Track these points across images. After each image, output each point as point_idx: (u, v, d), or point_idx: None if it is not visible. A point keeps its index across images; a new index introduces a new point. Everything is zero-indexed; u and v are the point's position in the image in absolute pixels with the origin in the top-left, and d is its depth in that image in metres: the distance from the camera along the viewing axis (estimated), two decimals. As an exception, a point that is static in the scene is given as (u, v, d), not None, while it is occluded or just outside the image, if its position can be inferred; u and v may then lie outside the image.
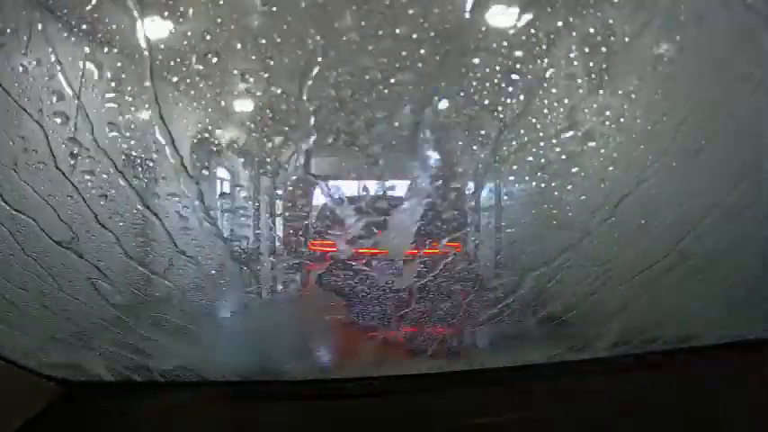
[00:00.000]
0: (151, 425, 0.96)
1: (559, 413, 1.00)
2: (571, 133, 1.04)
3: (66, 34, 0.93)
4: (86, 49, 0.94)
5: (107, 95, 0.98)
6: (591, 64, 1.00)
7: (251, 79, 0.97)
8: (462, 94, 1.07)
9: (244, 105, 1.08)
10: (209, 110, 1.05)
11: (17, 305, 0.98)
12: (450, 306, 1.19)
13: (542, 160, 1.10)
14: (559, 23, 1.01)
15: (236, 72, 0.97)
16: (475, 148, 1.28)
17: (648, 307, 1.14)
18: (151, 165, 1.04)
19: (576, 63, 1.01)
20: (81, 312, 1.06)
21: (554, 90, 1.04)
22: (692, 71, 1.02)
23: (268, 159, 1.11)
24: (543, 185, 1.12)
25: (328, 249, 1.33)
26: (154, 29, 0.96)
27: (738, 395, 1.02)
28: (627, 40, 1.01)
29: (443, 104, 1.11)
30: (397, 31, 0.92)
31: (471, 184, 1.59)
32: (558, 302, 1.17)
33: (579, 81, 1.02)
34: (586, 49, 1.00)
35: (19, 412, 0.88)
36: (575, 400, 1.04)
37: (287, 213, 1.23)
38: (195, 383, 1.09)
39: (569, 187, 1.10)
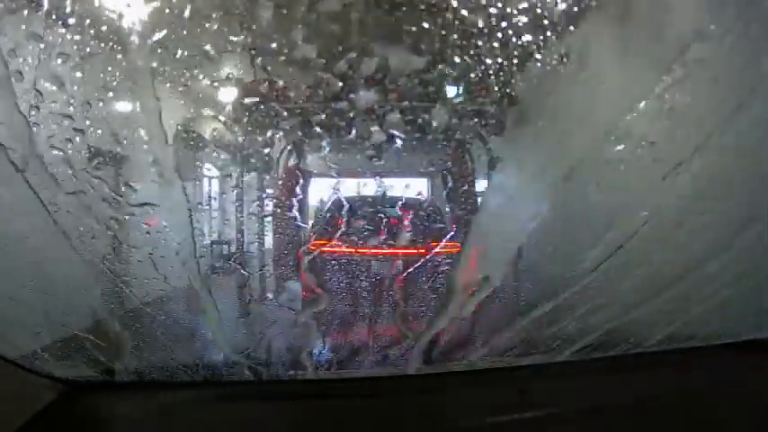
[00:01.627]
0: (151, 425, 0.96)
1: (559, 413, 1.00)
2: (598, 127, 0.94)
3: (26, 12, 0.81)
4: (53, 29, 0.81)
5: (76, 83, 0.85)
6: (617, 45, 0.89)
7: (237, 64, 0.85)
8: (473, 76, 0.95)
9: (229, 94, 0.94)
10: (191, 99, 0.93)
11: (18, 305, 0.98)
12: (450, 306, 1.19)
13: (562, 154, 1.01)
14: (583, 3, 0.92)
15: (220, 56, 0.83)
16: (487, 140, 1.18)
17: (650, 308, 1.14)
18: (126, 161, 0.95)
19: (601, 43, 0.90)
20: (81, 313, 1.06)
21: (580, 76, 0.92)
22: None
23: (258, 154, 1.03)
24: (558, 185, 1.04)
25: (329, 250, 1.33)
26: (128, 8, 0.81)
27: (738, 395, 1.02)
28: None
29: (452, 92, 1.01)
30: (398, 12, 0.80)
31: (479, 182, 1.56)
32: (558, 303, 1.17)
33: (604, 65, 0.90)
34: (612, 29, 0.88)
35: (19, 412, 0.88)
36: (574, 400, 1.04)
37: (281, 212, 1.18)
38: (195, 383, 1.09)
39: (587, 189, 1.04)
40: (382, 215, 1.39)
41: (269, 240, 1.20)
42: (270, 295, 1.38)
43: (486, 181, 1.61)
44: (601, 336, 1.15)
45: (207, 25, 0.82)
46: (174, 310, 1.17)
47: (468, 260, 1.20)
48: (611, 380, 1.11)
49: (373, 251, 1.40)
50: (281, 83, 0.91)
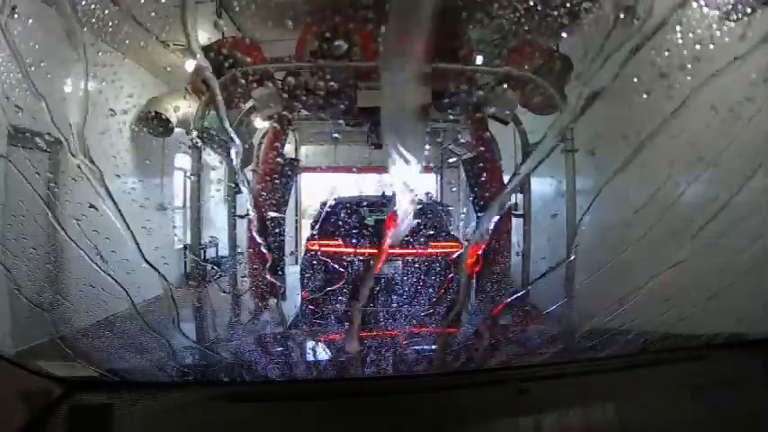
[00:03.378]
0: (151, 425, 0.96)
1: (559, 413, 1.00)
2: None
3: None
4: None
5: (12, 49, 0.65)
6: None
7: (212, 29, 0.64)
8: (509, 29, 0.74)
9: (191, 61, 0.71)
10: (155, 72, 0.74)
11: (17, 305, 0.97)
12: (450, 306, 1.19)
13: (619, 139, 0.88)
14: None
15: (193, 18, 0.63)
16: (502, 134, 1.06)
17: (651, 308, 1.14)
18: (65, 149, 0.76)
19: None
20: (81, 313, 1.06)
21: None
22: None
23: (241, 143, 0.90)
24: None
25: (327, 250, 1.32)
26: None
27: (738, 395, 1.02)
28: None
29: (480, 59, 0.82)
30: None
31: (506, 173, 1.51)
32: (558, 303, 1.16)
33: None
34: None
35: (19, 412, 0.88)
36: (574, 400, 1.04)
37: (274, 211, 1.13)
38: (195, 383, 1.09)
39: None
40: (385, 214, 1.39)
41: (267, 242, 1.18)
42: (266, 297, 1.37)
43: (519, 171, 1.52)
44: (602, 336, 1.15)
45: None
46: (172, 313, 1.17)
47: (470, 261, 1.19)
48: (612, 380, 1.11)
49: (375, 251, 1.40)
50: (253, 40, 0.73)
